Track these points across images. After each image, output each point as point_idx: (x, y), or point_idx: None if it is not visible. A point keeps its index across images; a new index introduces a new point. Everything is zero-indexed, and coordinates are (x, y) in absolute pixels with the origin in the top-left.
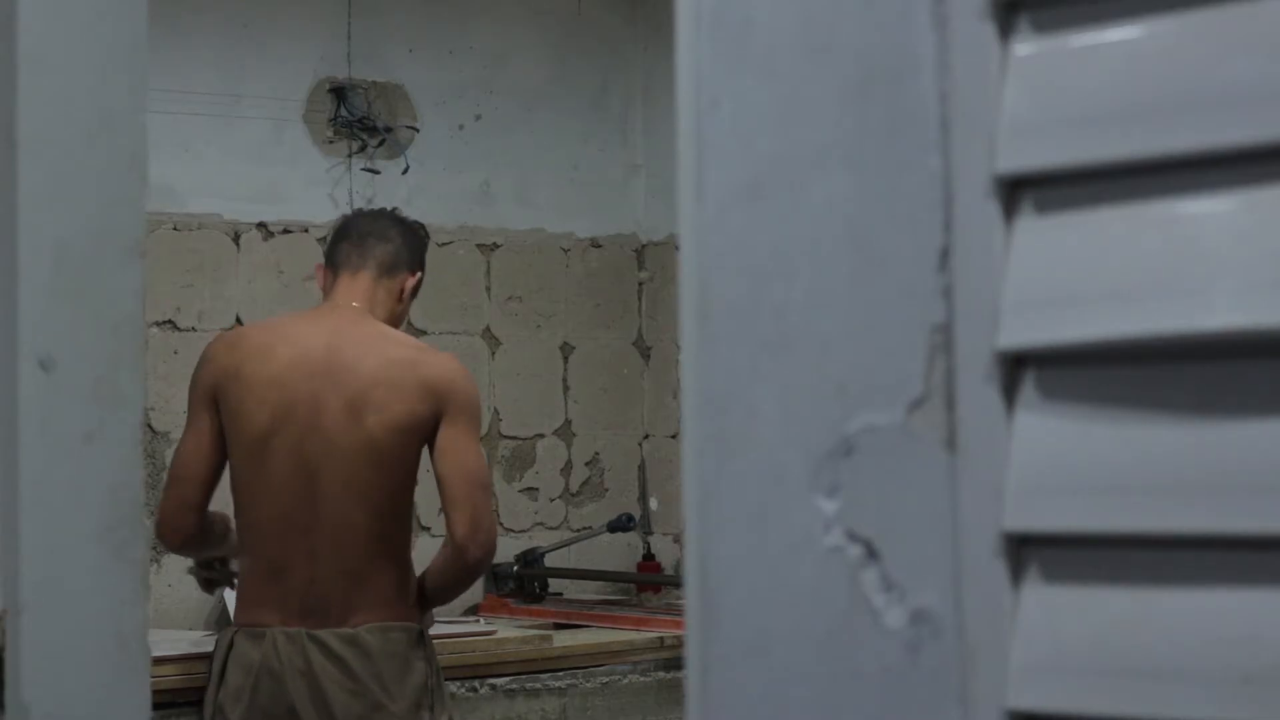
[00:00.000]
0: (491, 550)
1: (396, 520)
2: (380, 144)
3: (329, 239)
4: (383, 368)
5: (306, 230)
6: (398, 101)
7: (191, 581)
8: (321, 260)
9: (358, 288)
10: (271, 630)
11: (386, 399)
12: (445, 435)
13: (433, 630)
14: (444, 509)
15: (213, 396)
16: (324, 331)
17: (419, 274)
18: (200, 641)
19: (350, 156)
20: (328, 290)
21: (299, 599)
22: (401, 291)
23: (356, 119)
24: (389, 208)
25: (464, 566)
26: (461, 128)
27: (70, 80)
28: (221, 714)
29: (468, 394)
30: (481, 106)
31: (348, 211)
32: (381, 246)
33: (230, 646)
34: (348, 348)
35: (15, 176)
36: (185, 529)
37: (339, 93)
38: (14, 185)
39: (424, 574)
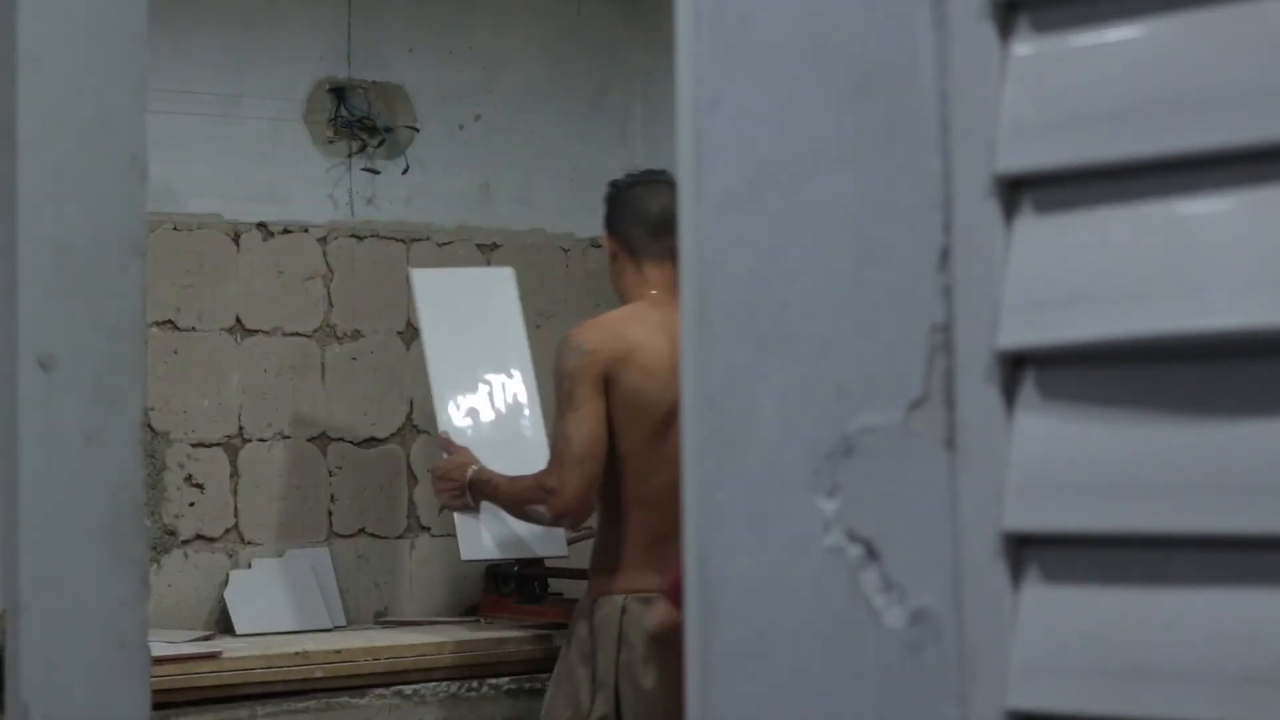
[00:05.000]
0: None
1: None
2: (380, 144)
3: (618, 206)
4: None
5: (306, 230)
6: (397, 101)
7: (191, 581)
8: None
9: (665, 280)
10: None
11: None
12: None
13: (432, 633)
14: None
15: (604, 381)
16: (670, 322)
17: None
18: (200, 642)
19: (350, 156)
20: (628, 274)
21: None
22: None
23: (356, 119)
24: (652, 171)
25: None
26: (461, 128)
27: (70, 80)
28: (629, 676)
29: None
30: (481, 107)
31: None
32: (672, 234)
33: (623, 612)
34: None
35: (15, 176)
36: (591, 505)
37: (339, 93)
38: (14, 185)
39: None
